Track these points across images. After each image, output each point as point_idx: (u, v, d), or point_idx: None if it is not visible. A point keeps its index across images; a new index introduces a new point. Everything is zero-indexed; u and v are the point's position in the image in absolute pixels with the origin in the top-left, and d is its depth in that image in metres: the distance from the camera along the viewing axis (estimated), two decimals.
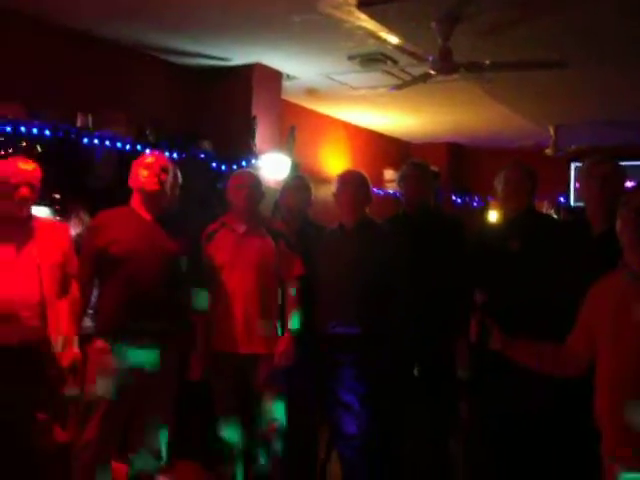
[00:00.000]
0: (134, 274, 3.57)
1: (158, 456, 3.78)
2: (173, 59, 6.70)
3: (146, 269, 3.59)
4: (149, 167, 3.68)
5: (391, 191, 9.30)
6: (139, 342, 3.53)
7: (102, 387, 3.47)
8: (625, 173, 3.46)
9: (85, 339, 3.72)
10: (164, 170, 3.71)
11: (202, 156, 6.22)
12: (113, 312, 3.61)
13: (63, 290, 3.62)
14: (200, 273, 4.00)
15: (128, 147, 5.30)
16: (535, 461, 3.51)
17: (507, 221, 4.01)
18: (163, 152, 5.53)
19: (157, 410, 3.69)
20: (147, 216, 3.72)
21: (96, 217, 3.80)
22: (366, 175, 4.24)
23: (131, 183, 3.75)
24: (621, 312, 2.50)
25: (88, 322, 3.90)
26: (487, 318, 2.99)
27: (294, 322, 4.01)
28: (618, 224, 2.56)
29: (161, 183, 3.69)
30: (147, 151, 3.82)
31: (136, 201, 3.74)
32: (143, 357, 3.54)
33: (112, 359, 3.51)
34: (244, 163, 6.38)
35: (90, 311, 3.91)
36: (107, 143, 5.21)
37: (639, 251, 2.49)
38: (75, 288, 3.69)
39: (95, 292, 3.84)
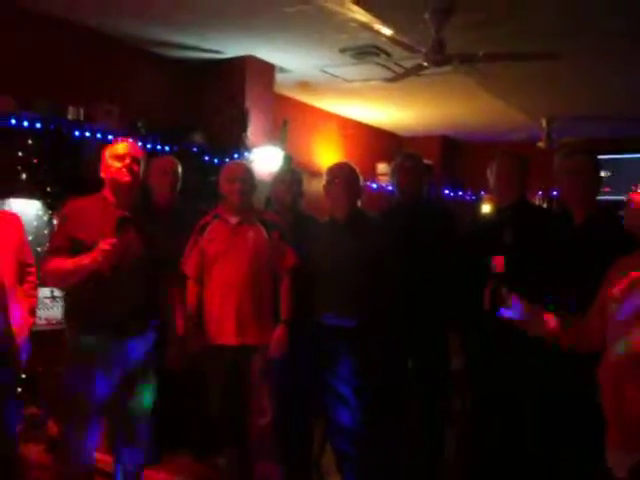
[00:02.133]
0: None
1: (146, 449, 3.74)
2: (165, 52, 6.68)
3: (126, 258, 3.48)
4: (120, 158, 3.55)
5: (384, 184, 9.31)
6: (115, 335, 3.48)
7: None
8: (598, 163, 3.46)
9: (56, 334, 3.69)
10: (136, 161, 3.59)
11: (194, 149, 6.20)
12: (85, 306, 3.52)
13: (20, 279, 3.60)
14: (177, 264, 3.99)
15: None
16: (531, 451, 3.50)
17: (499, 212, 4.00)
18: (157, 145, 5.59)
19: (141, 402, 3.65)
20: (118, 208, 3.56)
21: (68, 205, 3.63)
22: (356, 167, 4.22)
23: (102, 174, 3.61)
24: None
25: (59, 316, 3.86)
26: (502, 286, 2.97)
27: (288, 313, 4.00)
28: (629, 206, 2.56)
29: (133, 174, 3.56)
30: (125, 141, 3.64)
31: (107, 192, 3.61)
32: (120, 350, 3.50)
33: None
34: (236, 156, 6.37)
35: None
36: (99, 136, 5.19)
37: None
38: (32, 277, 3.67)
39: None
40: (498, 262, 3.00)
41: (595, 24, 5.52)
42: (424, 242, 3.98)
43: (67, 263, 3.41)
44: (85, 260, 3.36)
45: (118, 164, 3.53)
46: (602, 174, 3.45)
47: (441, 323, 4.07)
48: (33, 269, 3.73)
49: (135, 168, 3.56)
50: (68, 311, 3.64)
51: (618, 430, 2.43)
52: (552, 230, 3.54)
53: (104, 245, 3.33)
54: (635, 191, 2.69)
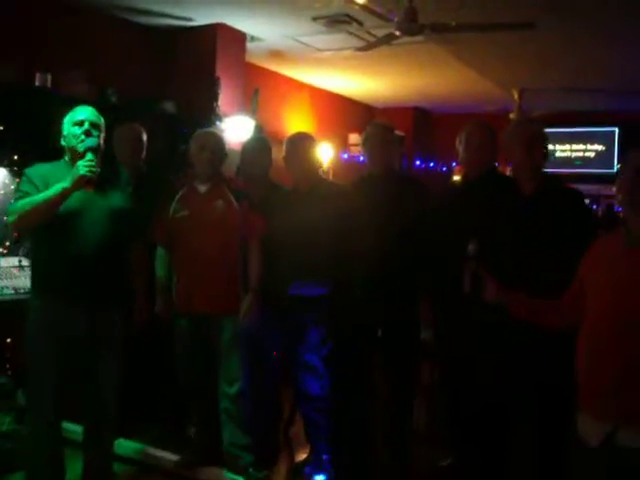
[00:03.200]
0: (73, 234, 3.41)
1: (115, 420, 3.73)
2: (136, 18, 6.59)
3: (86, 228, 3.43)
4: (79, 123, 3.46)
5: (356, 155, 9.30)
6: (79, 305, 3.44)
7: None
8: (546, 136, 3.51)
9: (24, 304, 3.66)
10: (95, 127, 3.49)
11: (165, 117, 6.13)
12: (51, 272, 3.46)
13: None
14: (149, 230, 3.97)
15: None
16: (503, 421, 3.54)
17: (467, 183, 4.01)
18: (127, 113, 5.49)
19: (108, 374, 3.61)
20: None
21: (31, 168, 3.51)
22: (314, 137, 4.25)
23: (63, 142, 3.53)
24: (606, 269, 2.52)
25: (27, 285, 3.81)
26: (481, 268, 2.98)
27: (256, 282, 3.99)
28: (617, 182, 2.55)
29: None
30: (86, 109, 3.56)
31: (69, 159, 3.51)
32: (85, 320, 3.46)
33: None
34: (207, 125, 6.31)
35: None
36: (67, 103, 5.10)
37: (633, 210, 2.48)
38: None
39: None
40: (475, 245, 3.01)
41: None
42: (393, 211, 3.96)
43: (37, 197, 3.32)
44: (62, 184, 3.27)
45: (77, 130, 3.46)
46: (551, 147, 3.51)
47: (412, 293, 4.07)
48: None
49: (93, 134, 3.47)
50: (33, 280, 3.58)
51: (590, 397, 2.46)
52: (503, 202, 3.55)
53: (83, 166, 3.27)
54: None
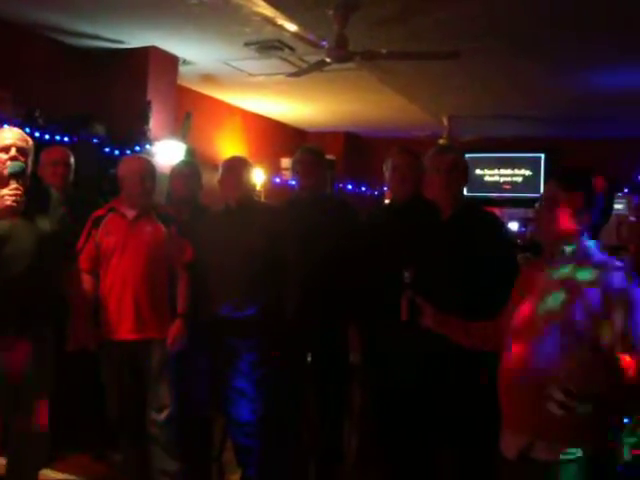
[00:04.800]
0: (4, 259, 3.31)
1: (40, 450, 3.64)
2: (67, 40, 6.52)
3: (13, 256, 3.32)
4: (5, 149, 3.33)
5: (288, 179, 9.33)
6: (8, 333, 3.35)
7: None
8: (466, 162, 3.67)
9: None
10: (22, 151, 3.37)
11: (95, 140, 6.07)
12: None
13: None
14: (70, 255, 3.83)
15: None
16: (429, 439, 3.58)
17: (390, 208, 4.07)
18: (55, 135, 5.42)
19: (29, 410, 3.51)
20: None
21: None
22: (249, 160, 4.29)
23: None
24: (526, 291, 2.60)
25: None
26: (416, 296, 3.01)
27: (184, 307, 3.96)
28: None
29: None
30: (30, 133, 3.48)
31: None
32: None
33: None
34: (138, 148, 6.27)
35: None
36: None
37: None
38: None
39: None
40: (411, 273, 3.05)
41: (501, 25, 5.67)
42: (321, 234, 3.98)
43: None
44: None
45: (3, 156, 3.33)
46: (479, 172, 3.62)
47: (339, 316, 4.08)
48: None
49: (22, 159, 3.35)
50: None
51: (507, 412, 2.53)
52: (424, 227, 3.63)
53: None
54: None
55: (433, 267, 3.34)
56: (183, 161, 5.49)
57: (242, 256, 3.89)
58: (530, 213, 9.79)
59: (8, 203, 3.19)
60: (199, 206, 4.42)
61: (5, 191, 3.20)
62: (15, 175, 3.28)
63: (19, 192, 3.22)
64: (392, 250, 3.52)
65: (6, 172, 3.29)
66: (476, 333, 2.89)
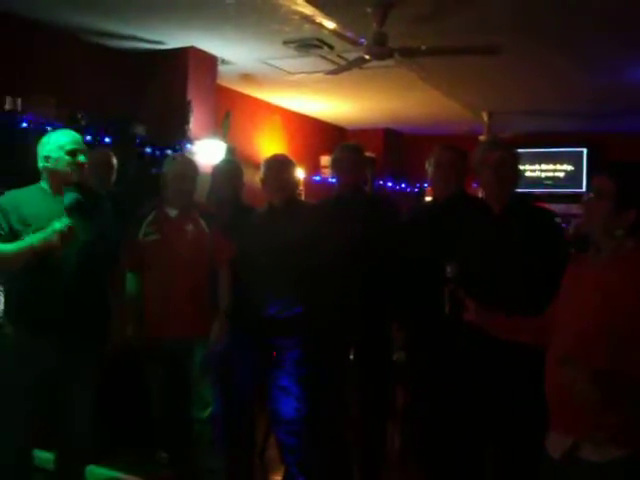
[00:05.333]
0: (48, 266, 3.34)
1: (87, 448, 3.69)
2: (107, 42, 6.59)
3: (61, 259, 3.36)
4: (71, 153, 3.43)
5: (328, 177, 9.32)
6: (52, 338, 3.37)
7: None
8: (518, 157, 3.55)
9: None
10: (83, 153, 3.50)
11: (136, 141, 6.13)
12: (25, 304, 3.41)
13: None
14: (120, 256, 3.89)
15: None
16: (474, 440, 3.55)
17: (435, 204, 4.04)
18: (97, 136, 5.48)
19: (80, 407, 3.56)
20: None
21: (4, 196, 3.48)
22: (292, 159, 4.28)
23: (41, 163, 3.46)
24: (572, 289, 2.57)
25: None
26: (459, 290, 2.99)
27: (226, 305, 3.98)
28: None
29: (80, 169, 3.48)
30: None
31: (46, 183, 3.49)
32: (55, 354, 3.39)
33: None
34: (178, 148, 6.31)
35: None
36: (37, 127, 5.08)
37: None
38: None
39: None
40: (453, 267, 3.03)
41: (539, 20, 5.60)
42: (363, 232, 3.96)
43: (9, 245, 3.28)
44: (32, 240, 3.23)
45: (68, 157, 3.42)
46: (521, 168, 3.55)
47: (382, 314, 4.07)
48: None
49: (81, 161, 3.46)
50: (6, 309, 3.54)
51: (554, 412, 2.50)
52: (473, 223, 3.59)
53: (59, 227, 3.22)
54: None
55: (481, 262, 3.31)
56: (225, 160, 5.52)
57: (288, 256, 3.90)
58: (574, 209, 9.68)
59: (54, 241, 3.23)
60: (241, 205, 4.44)
61: (57, 225, 3.23)
62: (70, 209, 3.35)
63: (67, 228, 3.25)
64: (435, 246, 3.50)
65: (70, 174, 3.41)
66: (522, 328, 2.87)
